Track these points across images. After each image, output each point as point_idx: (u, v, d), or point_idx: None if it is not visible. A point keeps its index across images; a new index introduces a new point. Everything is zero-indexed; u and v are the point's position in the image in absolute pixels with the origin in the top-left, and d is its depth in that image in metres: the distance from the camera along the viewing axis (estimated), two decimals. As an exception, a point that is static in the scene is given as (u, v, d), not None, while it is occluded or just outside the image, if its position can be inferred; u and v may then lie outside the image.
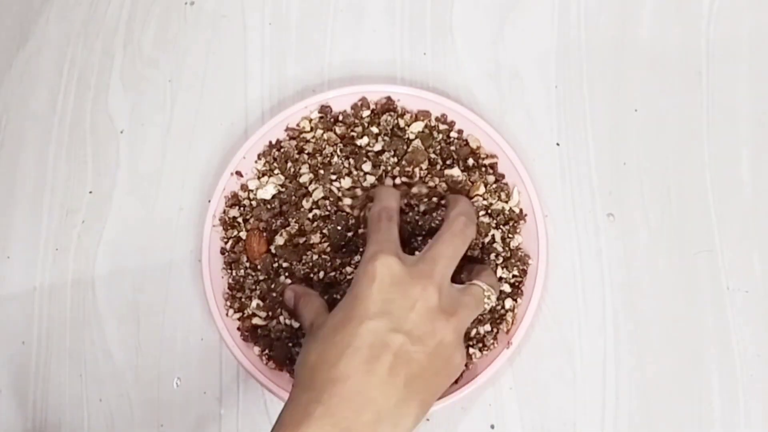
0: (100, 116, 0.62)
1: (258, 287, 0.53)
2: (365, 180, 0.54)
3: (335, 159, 0.55)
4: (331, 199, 0.53)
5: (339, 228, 0.52)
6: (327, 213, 0.53)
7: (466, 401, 0.52)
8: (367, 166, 0.54)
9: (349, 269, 0.51)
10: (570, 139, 0.57)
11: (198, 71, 0.62)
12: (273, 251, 0.53)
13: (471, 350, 0.51)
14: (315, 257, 0.52)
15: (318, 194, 0.54)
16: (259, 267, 0.53)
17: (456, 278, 0.47)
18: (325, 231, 0.53)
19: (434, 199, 0.53)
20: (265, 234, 0.54)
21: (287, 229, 0.53)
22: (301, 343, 0.52)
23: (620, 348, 0.52)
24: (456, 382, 0.50)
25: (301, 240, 0.53)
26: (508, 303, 0.52)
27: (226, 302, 0.54)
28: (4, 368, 0.57)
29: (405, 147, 0.55)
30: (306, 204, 0.54)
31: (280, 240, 0.53)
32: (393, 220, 0.47)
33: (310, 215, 0.53)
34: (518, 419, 0.52)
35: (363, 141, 0.55)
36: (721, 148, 0.56)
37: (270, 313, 0.53)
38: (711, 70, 0.57)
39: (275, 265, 0.53)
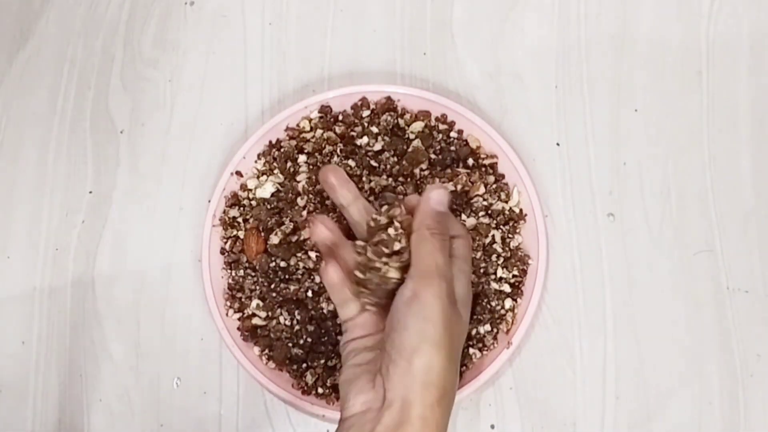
0: (100, 116, 0.62)
1: (258, 287, 0.53)
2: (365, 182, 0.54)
3: (335, 158, 0.55)
4: (323, 195, 0.54)
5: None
6: (317, 208, 0.53)
7: (466, 401, 0.52)
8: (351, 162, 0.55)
9: None
10: (570, 139, 0.57)
11: (198, 71, 0.62)
12: (269, 250, 0.53)
13: (471, 350, 0.51)
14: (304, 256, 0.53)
15: (310, 189, 0.54)
16: (257, 267, 0.53)
17: None
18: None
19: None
20: (262, 233, 0.54)
21: (282, 228, 0.53)
22: (300, 343, 0.52)
23: (620, 348, 0.52)
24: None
25: (294, 238, 0.53)
26: (508, 303, 0.52)
27: (226, 302, 0.54)
28: (4, 368, 0.57)
29: (405, 147, 0.55)
30: (301, 201, 0.54)
31: (275, 239, 0.53)
32: None
33: (304, 212, 0.53)
34: (518, 419, 0.52)
35: (363, 141, 0.55)
36: (721, 148, 0.56)
37: (270, 313, 0.53)
38: (711, 70, 0.57)
39: (272, 264, 0.53)
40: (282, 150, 0.56)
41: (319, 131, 0.56)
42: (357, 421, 0.39)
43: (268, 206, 0.55)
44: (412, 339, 0.38)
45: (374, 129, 0.56)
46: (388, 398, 0.38)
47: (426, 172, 0.54)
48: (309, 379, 0.51)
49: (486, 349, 0.51)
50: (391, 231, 0.41)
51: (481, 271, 0.52)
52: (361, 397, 0.39)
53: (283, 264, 0.53)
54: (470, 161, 0.55)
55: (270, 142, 0.57)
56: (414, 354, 0.38)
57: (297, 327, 0.52)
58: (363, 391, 0.40)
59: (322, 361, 0.51)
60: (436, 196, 0.43)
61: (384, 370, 0.39)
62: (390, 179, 0.54)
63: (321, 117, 0.57)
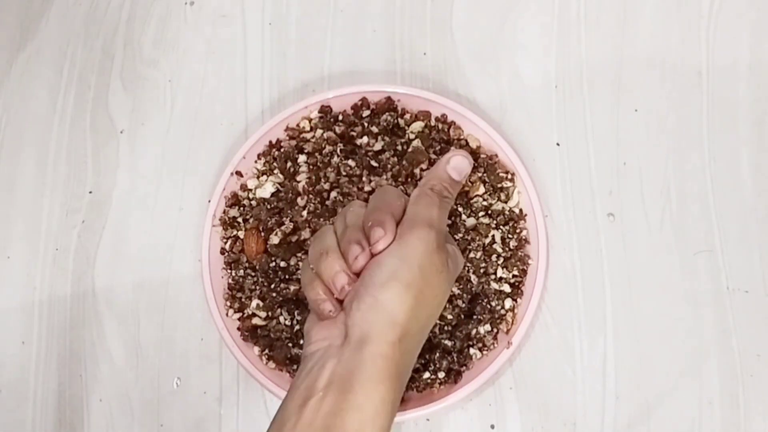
0: (100, 116, 0.62)
1: (258, 287, 0.53)
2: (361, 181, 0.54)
3: (335, 158, 0.55)
4: (323, 195, 0.54)
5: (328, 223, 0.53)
6: (317, 208, 0.53)
7: (466, 401, 0.52)
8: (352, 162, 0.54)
9: None
10: (570, 139, 0.57)
11: (198, 71, 0.62)
12: (269, 250, 0.53)
13: (471, 350, 0.51)
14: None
15: (310, 189, 0.54)
16: (257, 267, 0.53)
17: None
18: (315, 226, 0.53)
19: None
20: (262, 233, 0.54)
21: (282, 228, 0.53)
22: (300, 343, 0.52)
23: (620, 348, 0.52)
24: (456, 382, 0.51)
25: (294, 238, 0.53)
26: (508, 303, 0.52)
27: (226, 302, 0.54)
28: (4, 368, 0.57)
29: (405, 147, 0.55)
30: (301, 201, 0.54)
31: (275, 239, 0.53)
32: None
33: (304, 212, 0.54)
34: (518, 419, 0.52)
35: (363, 141, 0.55)
36: (721, 148, 0.56)
37: (270, 313, 0.53)
38: (711, 70, 0.57)
39: (272, 264, 0.53)
40: (282, 150, 0.56)
41: (319, 131, 0.56)
42: (318, 359, 0.37)
43: (268, 206, 0.55)
44: (383, 275, 0.37)
45: (374, 129, 0.56)
46: (349, 334, 0.37)
47: (426, 172, 0.54)
48: (309, 379, 0.51)
49: (486, 349, 0.51)
50: None
51: (481, 271, 0.52)
52: (324, 332, 0.38)
53: (283, 264, 0.53)
54: (470, 161, 0.55)
55: (270, 142, 0.57)
56: (381, 289, 0.37)
57: (297, 327, 0.52)
58: (326, 326, 0.38)
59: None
60: (456, 162, 0.42)
61: (347, 306, 0.38)
62: (390, 179, 0.54)
63: (321, 117, 0.57)
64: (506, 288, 0.52)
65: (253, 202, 0.55)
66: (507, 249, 0.53)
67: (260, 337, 0.53)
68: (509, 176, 0.54)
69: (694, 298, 0.53)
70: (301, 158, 0.56)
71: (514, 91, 0.58)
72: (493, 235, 0.53)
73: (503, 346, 0.51)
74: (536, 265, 0.52)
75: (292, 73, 0.61)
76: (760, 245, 0.53)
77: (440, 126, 0.56)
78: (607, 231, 0.55)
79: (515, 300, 0.52)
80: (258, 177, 0.56)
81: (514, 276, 0.52)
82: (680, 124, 0.56)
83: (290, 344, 0.52)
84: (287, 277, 0.53)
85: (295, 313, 0.52)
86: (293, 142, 0.56)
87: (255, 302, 0.53)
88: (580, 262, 0.54)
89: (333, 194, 0.54)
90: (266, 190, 0.55)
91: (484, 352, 0.51)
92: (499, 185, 0.54)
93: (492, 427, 0.52)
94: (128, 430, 0.55)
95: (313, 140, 0.56)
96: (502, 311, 0.52)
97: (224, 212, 0.55)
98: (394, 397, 0.37)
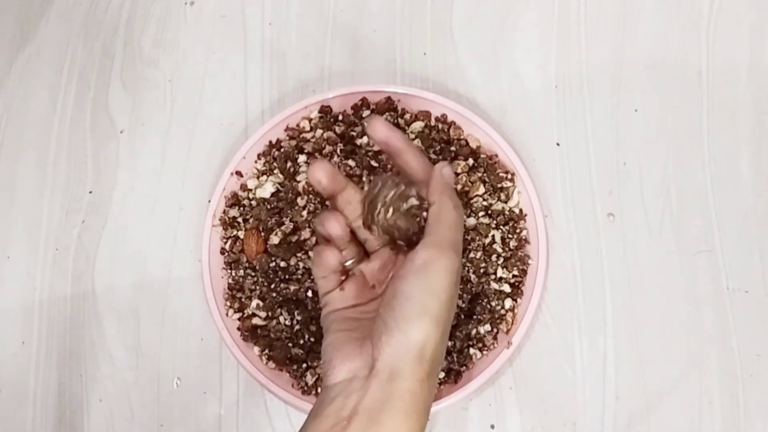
0: (100, 116, 0.62)
1: (258, 287, 0.53)
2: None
3: (335, 158, 0.55)
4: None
5: None
6: (317, 208, 0.53)
7: (466, 401, 0.52)
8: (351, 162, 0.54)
9: None
10: (570, 139, 0.57)
11: (198, 71, 0.62)
12: (269, 250, 0.53)
13: (471, 350, 0.51)
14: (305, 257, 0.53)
15: (310, 189, 0.54)
16: (257, 267, 0.53)
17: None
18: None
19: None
20: (262, 233, 0.54)
21: (282, 228, 0.53)
22: (300, 343, 0.52)
23: (620, 348, 0.52)
24: (456, 382, 0.51)
25: (294, 238, 0.53)
26: (508, 303, 0.52)
27: (226, 302, 0.54)
28: (4, 368, 0.57)
29: (405, 147, 0.55)
30: (301, 201, 0.54)
31: (275, 239, 0.53)
32: None
33: (304, 212, 0.54)
34: (518, 419, 0.52)
35: (363, 141, 0.55)
36: (721, 148, 0.56)
37: (270, 313, 0.53)
38: (711, 70, 0.57)
39: (272, 264, 0.53)
40: (282, 150, 0.56)
41: (319, 131, 0.56)
42: (342, 389, 0.37)
43: (268, 206, 0.55)
44: (413, 310, 0.37)
45: (374, 129, 0.55)
46: (376, 367, 0.37)
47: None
48: (309, 379, 0.51)
49: (486, 349, 0.51)
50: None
51: (481, 271, 0.52)
52: (348, 363, 0.38)
53: (283, 264, 0.53)
54: (470, 161, 0.55)
55: (270, 142, 0.57)
56: (412, 325, 0.37)
57: (297, 327, 0.52)
58: (349, 357, 0.38)
59: (323, 361, 0.51)
60: (448, 172, 0.42)
61: (375, 338, 0.37)
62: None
63: (321, 117, 0.57)
64: (506, 288, 0.52)
65: (253, 202, 0.55)
66: (507, 249, 0.53)
67: (260, 337, 0.53)
68: (509, 176, 0.54)
69: (694, 298, 0.53)
70: (301, 158, 0.56)
71: (514, 91, 0.58)
72: (493, 235, 0.53)
73: (503, 346, 0.51)
74: (536, 265, 0.52)
75: (292, 73, 0.61)
76: (760, 245, 0.53)
77: (440, 126, 0.56)
78: (607, 231, 0.55)
79: (515, 300, 0.52)
80: (258, 177, 0.56)
81: (514, 276, 0.52)
82: (680, 124, 0.56)
83: (290, 344, 0.52)
84: (287, 277, 0.53)
85: (295, 313, 0.52)
86: (293, 142, 0.56)
87: (255, 302, 0.53)
88: (580, 262, 0.54)
89: (333, 194, 0.54)
90: (266, 190, 0.55)
91: (484, 352, 0.51)
92: (499, 185, 0.54)
93: (492, 427, 0.52)
94: (128, 430, 0.55)
95: (313, 140, 0.56)
96: (502, 311, 0.52)
97: (224, 212, 0.55)
98: (420, 430, 0.37)
